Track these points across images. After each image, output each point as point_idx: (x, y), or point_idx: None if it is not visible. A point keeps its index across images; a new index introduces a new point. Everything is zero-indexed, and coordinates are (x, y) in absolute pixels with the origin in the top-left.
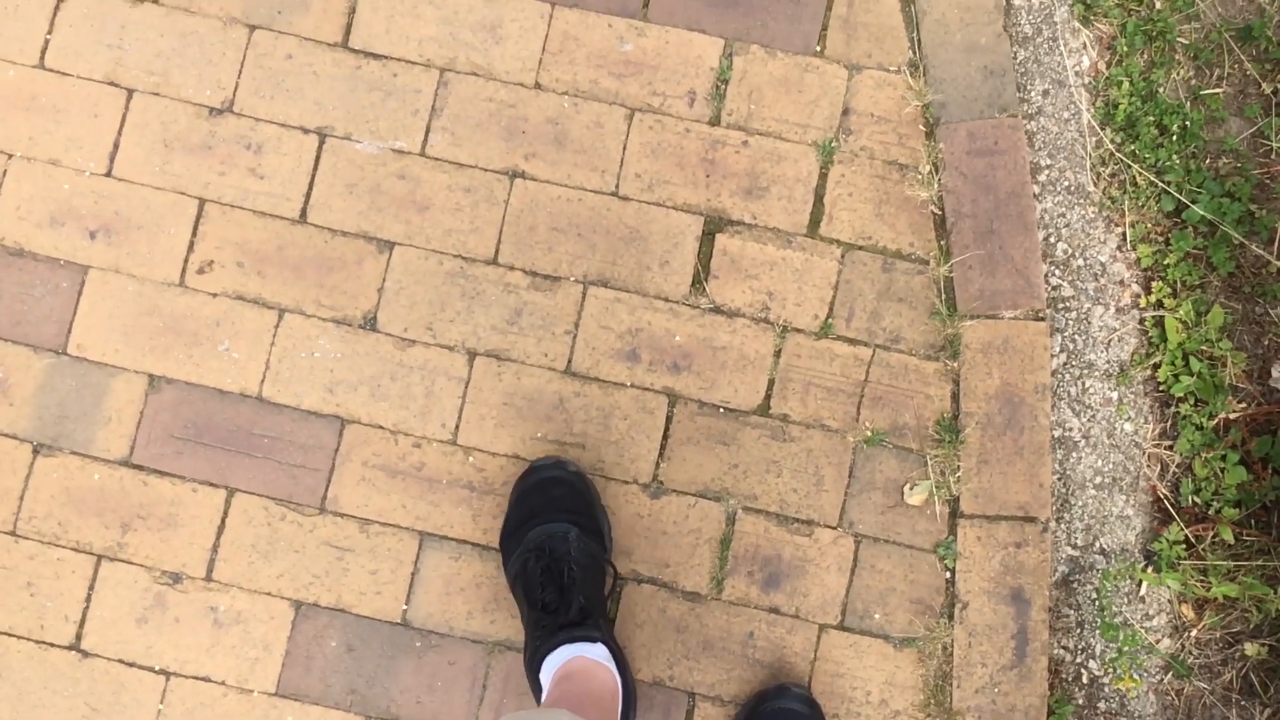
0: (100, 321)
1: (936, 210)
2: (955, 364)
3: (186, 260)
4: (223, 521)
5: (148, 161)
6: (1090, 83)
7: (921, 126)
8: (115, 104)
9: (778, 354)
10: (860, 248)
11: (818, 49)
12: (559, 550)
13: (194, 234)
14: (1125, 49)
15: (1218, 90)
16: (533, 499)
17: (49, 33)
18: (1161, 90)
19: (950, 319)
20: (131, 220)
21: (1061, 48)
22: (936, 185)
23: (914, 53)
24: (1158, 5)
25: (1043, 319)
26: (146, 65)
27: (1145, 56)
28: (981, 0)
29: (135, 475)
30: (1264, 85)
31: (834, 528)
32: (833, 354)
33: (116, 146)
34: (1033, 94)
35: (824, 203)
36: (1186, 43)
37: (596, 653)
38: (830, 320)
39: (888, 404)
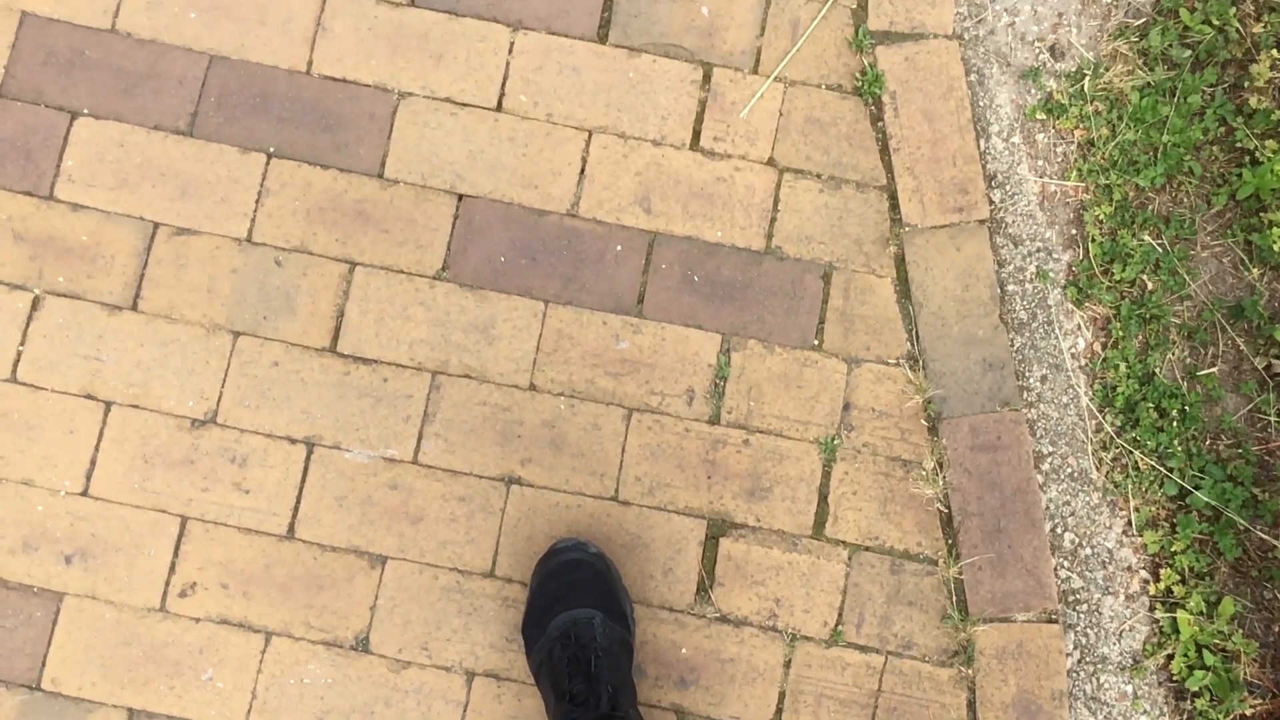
0: (76, 653)
1: (943, 508)
2: (970, 670)
3: (168, 583)
4: None
5: (126, 479)
6: (1087, 365)
7: (923, 421)
8: (92, 418)
9: (787, 664)
10: (867, 549)
11: (815, 343)
12: (584, 637)
13: (175, 555)
14: (1120, 332)
15: (1213, 369)
16: (554, 584)
17: (21, 344)
18: (1158, 371)
19: (963, 623)
20: (109, 542)
21: (1057, 331)
22: (941, 483)
23: (912, 345)
24: (1150, 286)
25: (1055, 620)
26: (125, 376)
27: (1140, 339)
28: (976, 292)
29: None
30: (1257, 361)
31: None
32: (844, 663)
33: (93, 464)
34: (1031, 380)
35: (828, 502)
36: (1180, 323)
37: None
38: (840, 627)
39: (902, 714)
